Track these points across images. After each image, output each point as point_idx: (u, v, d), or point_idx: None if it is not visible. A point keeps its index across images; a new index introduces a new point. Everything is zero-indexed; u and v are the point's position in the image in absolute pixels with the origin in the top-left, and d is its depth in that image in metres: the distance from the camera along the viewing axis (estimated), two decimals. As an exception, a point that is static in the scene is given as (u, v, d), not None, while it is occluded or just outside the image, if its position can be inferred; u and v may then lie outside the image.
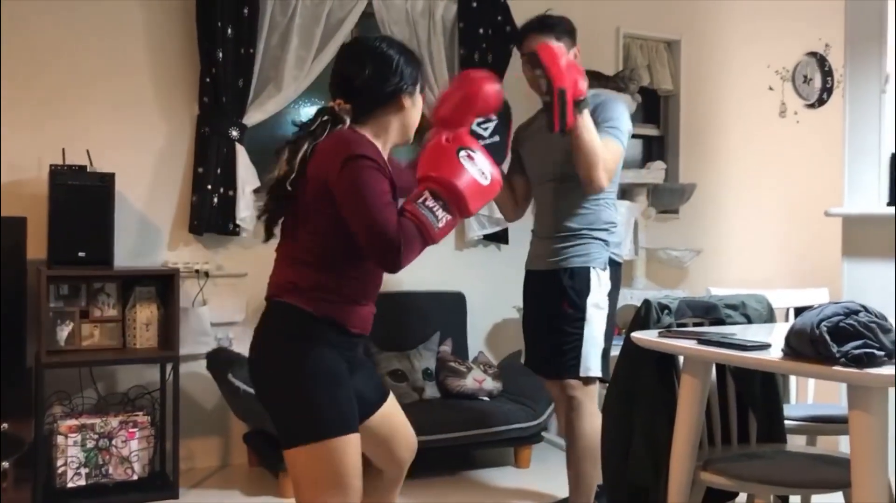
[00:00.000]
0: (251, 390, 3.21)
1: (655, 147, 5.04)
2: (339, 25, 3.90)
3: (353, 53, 2.00)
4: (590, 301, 2.73)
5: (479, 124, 2.50)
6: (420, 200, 1.84)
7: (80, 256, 3.23)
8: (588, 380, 2.76)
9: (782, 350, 1.87)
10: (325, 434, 1.82)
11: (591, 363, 2.74)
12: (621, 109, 2.76)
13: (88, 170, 3.34)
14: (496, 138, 2.56)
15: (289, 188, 1.86)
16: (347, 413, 1.87)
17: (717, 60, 5.01)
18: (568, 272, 2.75)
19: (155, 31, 3.68)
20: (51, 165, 3.28)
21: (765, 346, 1.95)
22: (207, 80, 3.64)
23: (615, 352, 2.78)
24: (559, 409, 3.00)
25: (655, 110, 5.01)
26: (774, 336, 2.11)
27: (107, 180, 3.30)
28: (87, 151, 3.43)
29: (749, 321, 2.51)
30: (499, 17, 4.19)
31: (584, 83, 2.55)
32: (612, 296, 2.84)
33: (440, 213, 1.84)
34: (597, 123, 2.67)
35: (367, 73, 1.92)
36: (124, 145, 3.60)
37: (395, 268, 1.82)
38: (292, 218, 1.92)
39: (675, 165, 4.90)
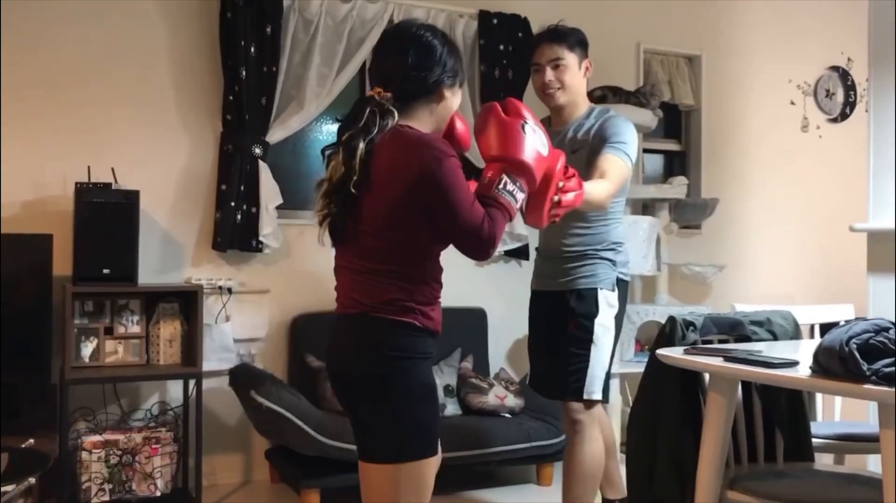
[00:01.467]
0: (273, 406, 3.24)
1: (677, 162, 5.02)
2: (361, 44, 3.93)
3: (396, 40, 1.90)
4: (598, 322, 2.65)
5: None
6: (500, 186, 1.83)
7: (105, 273, 3.26)
8: (591, 403, 2.67)
9: (810, 367, 1.85)
10: (427, 452, 1.83)
11: (595, 386, 2.65)
12: (628, 127, 2.66)
13: (113, 187, 3.38)
14: None
15: (353, 191, 1.78)
16: (436, 434, 1.88)
17: (739, 75, 5.00)
18: (575, 293, 2.67)
19: (179, 50, 3.72)
20: (76, 183, 3.31)
21: (792, 364, 1.93)
22: (231, 97, 3.67)
23: (639, 368, 2.77)
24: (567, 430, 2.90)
25: (677, 125, 5.00)
26: (801, 353, 2.09)
27: (131, 197, 3.33)
28: (112, 169, 3.46)
29: (775, 338, 2.48)
30: (519, 34, 4.21)
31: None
32: (620, 316, 2.76)
33: (518, 193, 1.85)
34: (603, 139, 2.61)
35: (410, 61, 1.84)
36: (148, 163, 3.63)
37: (487, 258, 1.85)
38: (354, 223, 1.83)
39: (698, 180, 4.88)
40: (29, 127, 3.47)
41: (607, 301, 2.67)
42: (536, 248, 2.93)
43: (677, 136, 5.02)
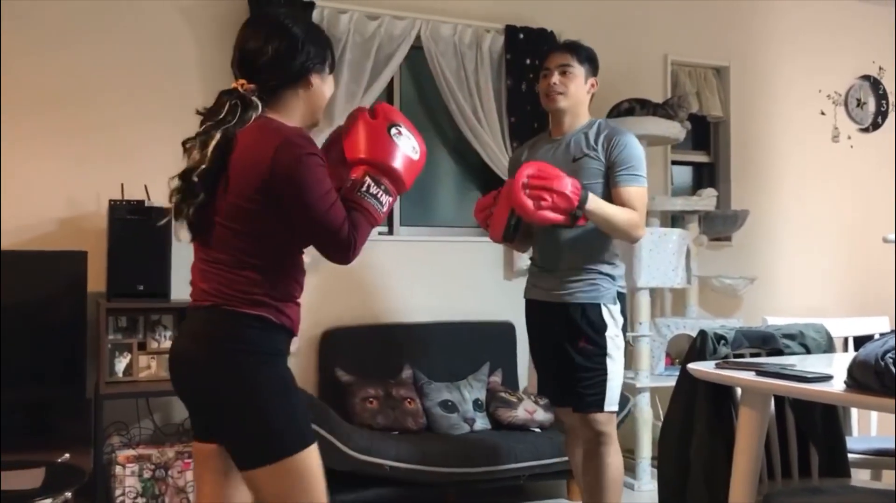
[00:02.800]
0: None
1: (706, 174, 4.99)
2: (388, 60, 3.97)
3: (255, 30, 1.83)
4: (608, 335, 2.69)
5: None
6: (363, 189, 1.78)
7: (139, 289, 3.30)
8: (612, 414, 2.73)
9: (845, 382, 1.82)
10: (298, 446, 1.75)
11: (614, 398, 2.71)
12: (633, 145, 2.70)
13: (146, 204, 3.42)
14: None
15: (195, 179, 1.73)
16: (307, 424, 1.82)
17: (767, 86, 4.96)
18: (580, 309, 2.69)
19: (210, 68, 3.78)
20: (110, 200, 3.37)
21: (826, 378, 1.91)
22: (260, 115, 3.71)
23: (669, 382, 2.75)
24: (572, 441, 2.94)
25: (705, 137, 4.98)
26: (835, 367, 2.07)
27: (164, 214, 3.38)
28: (145, 186, 3.52)
29: (808, 351, 2.46)
30: (546, 48, 4.20)
31: (563, 197, 2.50)
32: (623, 329, 2.80)
33: (383, 197, 1.81)
34: (611, 165, 2.67)
35: (270, 49, 1.77)
36: (180, 180, 3.68)
37: (348, 262, 1.78)
38: (209, 214, 1.77)
39: (727, 192, 4.84)
40: (64, 146, 3.54)
41: (612, 315, 2.72)
42: (531, 258, 2.94)
43: (706, 147, 4.99)
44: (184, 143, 1.84)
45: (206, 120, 1.79)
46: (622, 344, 2.74)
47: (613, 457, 2.72)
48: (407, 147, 1.85)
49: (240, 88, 1.79)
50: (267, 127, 1.76)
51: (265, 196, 1.71)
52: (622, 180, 2.66)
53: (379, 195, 1.80)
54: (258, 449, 1.74)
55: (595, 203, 2.58)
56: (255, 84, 1.79)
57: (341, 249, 1.76)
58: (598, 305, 2.70)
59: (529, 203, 2.50)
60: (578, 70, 2.76)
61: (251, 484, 1.79)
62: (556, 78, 2.75)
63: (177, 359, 1.83)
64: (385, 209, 1.83)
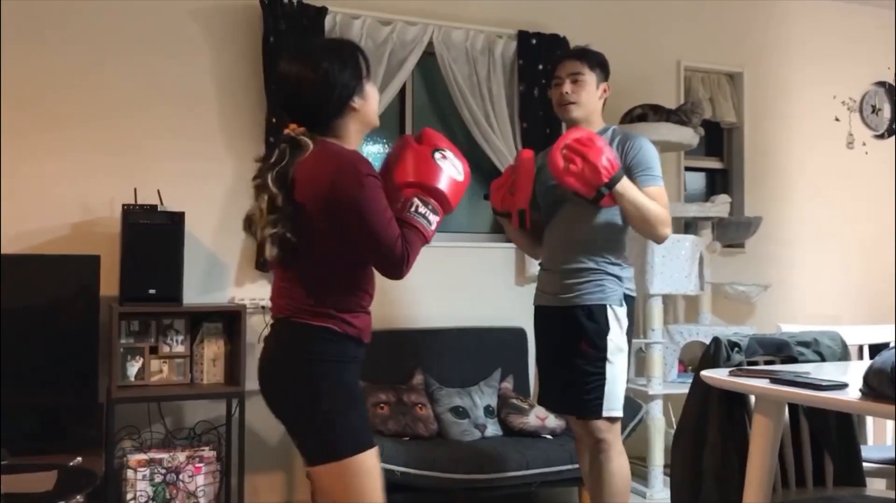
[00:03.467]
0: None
1: (719, 180, 4.97)
2: (401, 66, 3.97)
3: (288, 75, 1.95)
4: (610, 339, 2.66)
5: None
6: (412, 209, 1.93)
7: (151, 293, 3.31)
8: (614, 420, 2.69)
9: (860, 390, 1.81)
10: (359, 448, 1.90)
11: (615, 403, 2.66)
12: (648, 148, 2.72)
13: (159, 209, 3.44)
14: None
15: (280, 205, 1.87)
16: (365, 429, 1.96)
17: (781, 92, 4.94)
18: (585, 310, 2.67)
19: (223, 74, 3.79)
20: (123, 205, 3.38)
21: (841, 386, 1.89)
22: (273, 120, 3.72)
23: (682, 389, 2.73)
24: (581, 448, 2.91)
25: (719, 143, 4.96)
26: (850, 375, 2.05)
27: (176, 219, 3.39)
28: (158, 191, 3.53)
29: (822, 359, 2.44)
30: (558, 53, 4.20)
31: (595, 168, 2.52)
32: (629, 332, 2.75)
33: (431, 216, 1.95)
34: (628, 169, 2.64)
35: (305, 95, 1.92)
36: (194, 185, 3.70)
37: (401, 277, 1.91)
38: (282, 244, 1.92)
39: (741, 198, 4.82)
40: (78, 151, 3.56)
41: (616, 317, 2.68)
42: (540, 264, 2.93)
43: (719, 153, 4.97)
44: (254, 180, 1.98)
45: (263, 165, 1.94)
46: (625, 347, 2.70)
47: (616, 464, 2.67)
48: (451, 169, 1.99)
49: (291, 133, 1.93)
50: (324, 152, 1.89)
51: (328, 218, 1.86)
52: (642, 181, 2.65)
53: (427, 214, 1.94)
54: (318, 447, 1.91)
55: (627, 187, 2.56)
56: (304, 125, 1.93)
57: (396, 265, 1.89)
58: (604, 307, 2.67)
59: (561, 162, 2.53)
60: (590, 77, 2.76)
61: (314, 478, 1.95)
62: (567, 87, 2.75)
63: (260, 369, 2.00)
64: (433, 227, 1.97)
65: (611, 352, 2.65)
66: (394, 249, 1.86)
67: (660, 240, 2.70)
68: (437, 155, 1.98)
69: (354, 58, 1.97)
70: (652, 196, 2.64)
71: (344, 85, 1.92)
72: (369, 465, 1.91)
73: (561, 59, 2.86)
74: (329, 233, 1.88)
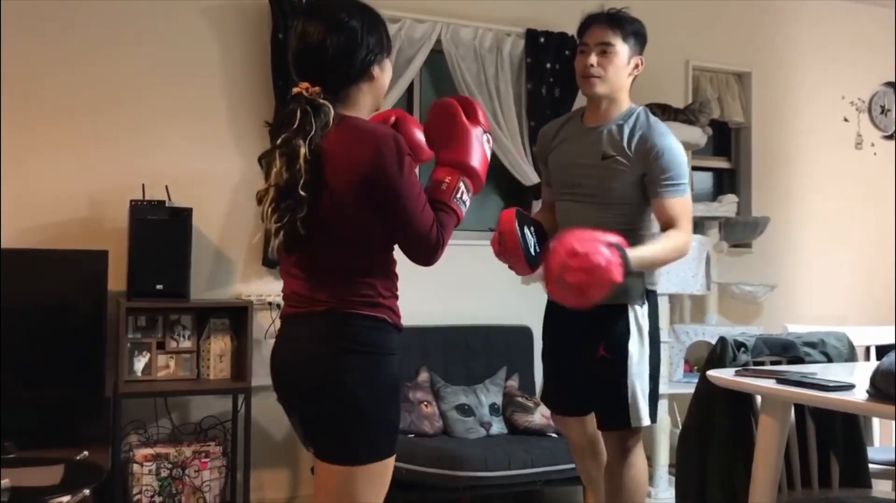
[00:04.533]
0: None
1: (727, 179, 4.96)
2: (409, 63, 3.97)
3: (311, 27, 1.76)
4: (631, 344, 2.43)
5: (528, 228, 2.33)
6: (458, 195, 1.81)
7: (158, 289, 3.32)
8: (638, 430, 2.47)
9: (867, 391, 1.81)
10: (392, 450, 1.80)
11: (643, 411, 2.43)
12: (674, 151, 2.41)
13: (167, 204, 3.45)
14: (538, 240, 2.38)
15: (302, 193, 1.69)
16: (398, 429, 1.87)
17: (789, 92, 4.92)
18: (603, 311, 2.37)
19: (232, 71, 3.80)
20: (131, 200, 3.39)
21: (848, 387, 1.89)
22: (281, 117, 3.73)
23: (688, 389, 2.72)
24: (574, 450, 2.74)
25: (726, 142, 4.95)
26: (857, 376, 2.04)
27: (184, 214, 3.40)
28: (166, 187, 3.54)
29: (829, 359, 2.44)
30: (566, 52, 4.20)
31: (601, 273, 2.10)
32: (653, 331, 2.51)
33: (467, 199, 1.84)
34: (651, 176, 2.39)
35: (330, 48, 1.73)
36: (201, 181, 3.71)
37: (433, 262, 1.80)
38: (311, 225, 1.74)
39: (748, 198, 4.81)
40: (87, 147, 3.57)
41: (637, 318, 2.46)
42: None
43: (727, 153, 4.96)
44: (260, 159, 1.79)
45: (280, 131, 1.73)
46: (648, 351, 2.46)
47: (636, 469, 2.51)
48: (488, 150, 1.88)
49: (304, 93, 1.73)
50: (357, 128, 1.74)
51: (366, 199, 1.71)
52: (663, 192, 2.38)
53: (467, 199, 1.84)
54: (354, 446, 1.75)
55: (637, 259, 2.22)
56: (318, 86, 1.74)
57: (430, 251, 1.78)
58: (623, 307, 2.44)
59: (569, 298, 2.17)
60: (621, 48, 2.42)
61: (323, 476, 1.80)
62: (593, 58, 2.41)
63: (289, 364, 1.82)
64: (466, 209, 1.86)
65: (632, 359, 2.42)
66: (429, 235, 1.75)
67: (683, 257, 2.47)
68: (485, 137, 1.86)
69: (383, 26, 1.84)
70: (674, 209, 2.38)
71: (370, 48, 1.77)
72: (388, 472, 1.81)
73: (590, 21, 2.48)
74: (366, 216, 1.73)
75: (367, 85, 1.80)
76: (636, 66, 2.49)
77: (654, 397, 2.48)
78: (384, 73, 1.84)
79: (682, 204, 2.41)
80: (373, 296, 1.78)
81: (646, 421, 2.43)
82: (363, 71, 1.78)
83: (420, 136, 1.93)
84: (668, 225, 2.39)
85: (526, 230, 2.33)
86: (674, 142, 2.44)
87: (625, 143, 2.43)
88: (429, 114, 1.91)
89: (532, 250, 2.32)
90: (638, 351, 2.44)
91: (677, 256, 2.39)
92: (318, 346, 1.78)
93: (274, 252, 1.78)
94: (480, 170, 1.85)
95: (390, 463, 1.80)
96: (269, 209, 1.73)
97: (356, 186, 1.70)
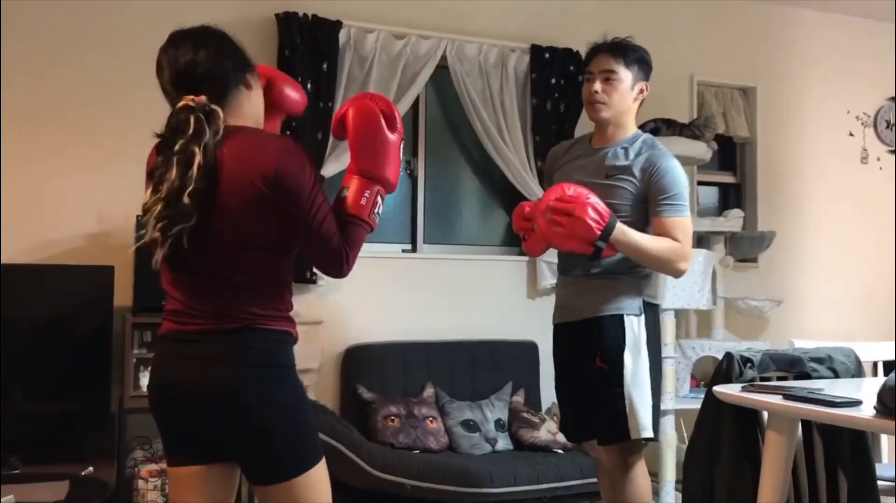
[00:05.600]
0: (325, 438, 3.24)
1: (732, 194, 4.96)
2: (414, 79, 3.99)
3: (180, 46, 1.80)
4: (626, 354, 2.43)
5: None
6: (376, 210, 1.79)
7: (164, 304, 3.31)
8: (638, 442, 2.45)
9: (874, 407, 1.80)
10: (321, 453, 1.79)
11: (643, 422, 2.40)
12: (675, 172, 2.47)
13: (173, 220, 3.45)
14: None
15: (186, 201, 1.63)
16: (318, 436, 1.86)
17: (795, 107, 4.93)
18: (597, 323, 2.46)
19: (238, 86, 3.82)
20: (137, 216, 3.40)
21: (855, 403, 1.88)
22: (287, 132, 3.75)
23: (695, 405, 2.70)
24: (602, 473, 2.69)
25: (731, 157, 4.95)
26: (864, 392, 2.04)
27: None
28: (172, 203, 3.55)
29: (836, 375, 2.43)
30: (571, 68, 4.22)
31: (584, 226, 2.29)
32: (653, 344, 2.51)
33: (381, 209, 1.82)
34: (651, 194, 2.44)
35: (204, 58, 1.75)
36: (207, 196, 3.71)
37: (343, 275, 1.78)
38: (204, 235, 1.68)
39: (754, 213, 4.80)
40: (94, 163, 3.59)
41: (633, 328, 2.46)
42: (559, 276, 2.73)
43: (732, 168, 4.96)
44: (152, 171, 1.73)
45: (173, 139, 1.71)
46: (647, 362, 2.46)
47: (637, 484, 2.49)
48: (401, 160, 1.87)
49: (192, 103, 1.71)
50: (257, 135, 1.74)
51: (269, 205, 1.67)
52: (662, 210, 2.43)
53: (380, 209, 1.81)
54: (285, 463, 1.73)
55: (624, 233, 2.34)
56: (202, 94, 1.73)
57: (335, 263, 1.76)
58: (619, 317, 2.45)
59: (547, 228, 2.34)
60: (624, 75, 2.51)
61: (271, 498, 1.77)
62: (598, 85, 2.51)
63: (186, 386, 1.73)
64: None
65: (628, 370, 2.42)
66: (330, 246, 1.72)
67: (677, 275, 2.48)
68: (402, 145, 1.84)
69: (233, 41, 1.84)
70: (672, 227, 2.41)
71: (236, 58, 1.79)
72: (325, 474, 1.80)
73: (595, 51, 2.59)
74: (269, 224, 1.69)
75: (246, 91, 1.80)
76: (641, 92, 2.57)
77: (656, 411, 2.47)
78: (258, 86, 1.83)
79: (681, 223, 2.44)
80: (279, 308, 1.76)
81: (647, 432, 2.40)
82: (238, 77, 1.78)
83: (291, 92, 1.93)
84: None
85: None
86: (676, 165, 2.50)
87: (629, 163, 2.49)
88: (346, 112, 1.84)
89: None
90: (633, 361, 2.43)
91: (665, 260, 2.40)
92: (226, 366, 1.72)
93: (157, 264, 1.73)
94: (395, 180, 1.84)
95: (323, 464, 1.79)
96: (154, 217, 1.67)
97: (258, 193, 1.66)
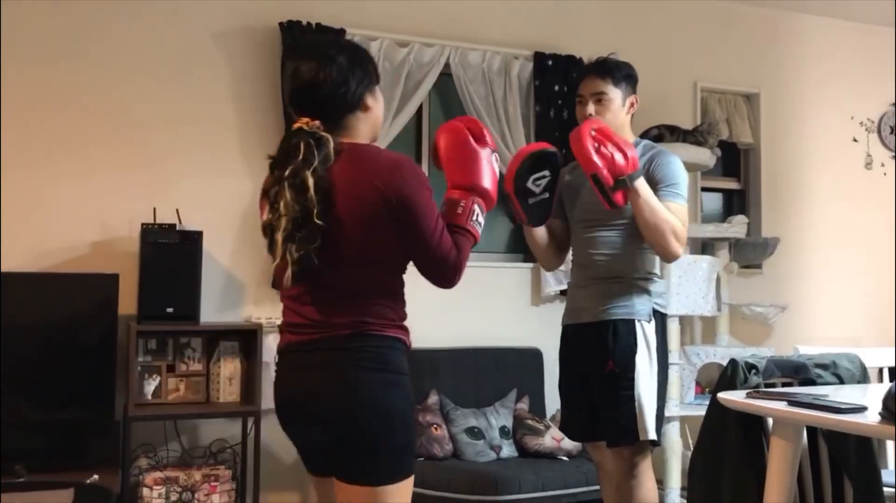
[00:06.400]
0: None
1: (736, 200, 4.96)
2: (418, 87, 4.00)
3: (302, 65, 1.85)
4: (638, 358, 2.50)
5: (533, 181, 2.52)
6: (474, 218, 1.88)
7: (168, 312, 3.33)
8: (645, 445, 2.51)
9: (880, 413, 1.79)
10: (412, 471, 1.83)
11: (649, 425, 2.48)
12: (676, 165, 2.59)
13: (177, 228, 3.47)
14: (546, 195, 2.55)
15: (318, 222, 1.72)
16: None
17: (798, 112, 4.93)
18: (611, 326, 2.53)
19: (243, 96, 3.83)
20: (142, 224, 3.42)
21: (860, 409, 1.87)
22: (291, 140, 3.75)
23: (699, 411, 2.70)
24: (602, 475, 2.76)
25: (735, 163, 4.95)
26: (869, 398, 2.03)
27: (194, 238, 3.42)
28: (177, 211, 3.56)
29: (841, 381, 2.42)
30: (574, 74, 4.22)
31: (623, 158, 2.41)
32: (661, 350, 2.57)
33: (482, 220, 1.91)
34: (651, 182, 2.53)
35: (322, 83, 1.82)
36: (212, 205, 3.73)
37: (453, 285, 1.86)
38: (326, 253, 1.76)
39: (758, 219, 4.80)
40: (98, 171, 3.60)
41: (644, 333, 2.53)
42: (572, 278, 2.79)
43: (736, 174, 4.95)
44: (267, 190, 1.81)
45: (285, 163, 1.77)
46: (655, 366, 2.53)
47: (646, 489, 2.53)
48: (496, 169, 1.95)
49: (306, 127, 1.79)
50: (367, 154, 1.81)
51: (384, 221, 1.76)
52: (663, 195, 2.52)
53: (482, 220, 1.90)
54: (386, 467, 1.78)
55: (644, 186, 2.46)
56: (318, 119, 1.81)
57: (449, 274, 1.84)
58: (632, 322, 2.52)
59: (590, 144, 2.40)
60: (615, 94, 2.62)
61: (352, 498, 1.80)
62: (591, 108, 2.62)
63: (306, 392, 1.82)
64: (481, 230, 1.92)
65: (639, 373, 2.49)
66: (447, 259, 1.81)
67: (670, 255, 2.52)
68: (493, 157, 1.92)
69: (370, 59, 1.93)
70: (671, 209, 2.51)
71: (361, 79, 1.86)
72: (410, 489, 1.83)
73: (584, 74, 2.71)
74: (384, 239, 1.78)
75: (362, 114, 1.88)
76: (632, 105, 2.69)
77: (660, 416, 2.54)
78: (377, 102, 1.92)
79: (680, 210, 2.54)
80: (392, 317, 1.84)
81: (652, 434, 2.48)
82: (356, 101, 1.86)
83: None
84: None
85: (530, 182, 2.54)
86: (677, 160, 2.61)
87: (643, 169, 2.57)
88: (437, 138, 1.97)
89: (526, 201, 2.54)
90: (646, 365, 2.51)
91: (667, 232, 2.47)
92: (339, 370, 1.80)
93: (289, 282, 1.78)
94: (492, 190, 1.91)
95: (412, 480, 1.84)
96: (282, 240, 1.74)
97: (373, 210, 1.75)
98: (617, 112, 2.64)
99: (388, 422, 1.78)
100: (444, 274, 1.84)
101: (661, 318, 2.61)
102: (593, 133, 2.43)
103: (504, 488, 3.35)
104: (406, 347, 1.87)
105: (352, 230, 1.76)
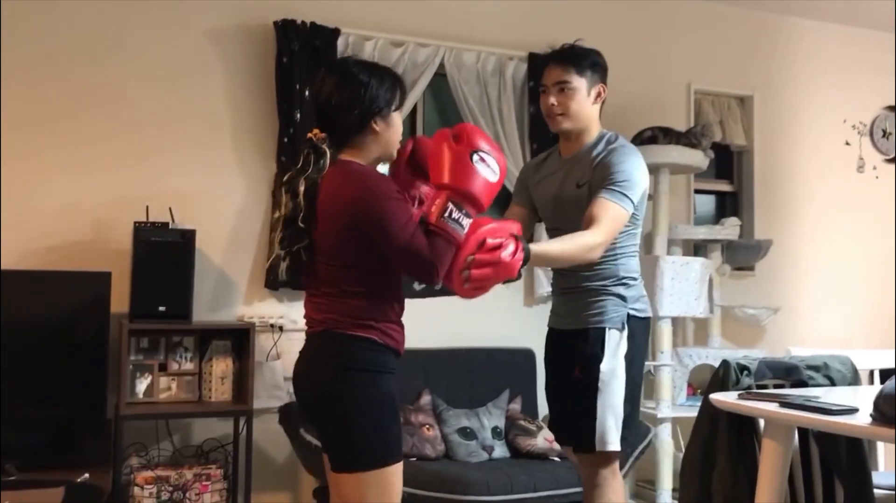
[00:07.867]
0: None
1: (729, 203, 4.97)
2: (412, 87, 3.99)
3: (326, 81, 2.01)
4: (603, 367, 2.40)
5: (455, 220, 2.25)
6: (446, 214, 1.92)
7: (161, 311, 3.32)
8: (610, 454, 2.43)
9: (871, 415, 1.80)
10: (389, 459, 1.93)
11: (609, 436, 2.39)
12: (628, 163, 2.38)
13: (170, 226, 3.46)
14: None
15: (301, 224, 1.93)
16: (400, 439, 2.00)
17: (791, 115, 4.95)
18: (581, 334, 2.46)
19: (236, 94, 3.83)
20: (135, 222, 3.41)
21: (852, 411, 1.89)
22: (285, 140, 3.75)
23: (691, 413, 2.70)
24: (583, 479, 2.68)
25: (728, 166, 4.96)
26: (860, 399, 2.04)
27: (187, 237, 3.41)
28: (170, 209, 3.55)
29: (832, 383, 2.43)
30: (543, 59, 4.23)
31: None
32: (637, 355, 2.49)
33: (464, 220, 1.95)
34: (601, 177, 2.36)
35: (334, 101, 1.97)
36: (205, 203, 3.72)
37: (434, 282, 1.94)
38: (311, 253, 1.98)
39: (751, 221, 4.81)
40: (91, 169, 3.59)
41: (614, 341, 2.44)
42: (552, 285, 2.74)
43: (729, 176, 4.97)
44: (274, 193, 2.07)
45: (290, 170, 2.00)
46: (622, 374, 2.42)
47: (608, 498, 2.44)
48: (486, 172, 1.96)
49: (313, 138, 1.98)
50: (347, 171, 1.94)
51: (354, 233, 1.91)
52: (601, 191, 2.34)
53: (460, 219, 1.94)
54: (349, 455, 1.94)
55: (537, 256, 2.18)
56: (326, 132, 1.99)
57: (426, 273, 1.91)
58: (602, 330, 2.43)
59: (471, 292, 2.09)
60: (578, 83, 2.45)
61: (338, 485, 1.98)
62: (553, 98, 2.47)
63: (296, 380, 2.06)
64: (465, 230, 1.96)
65: (603, 382, 2.40)
66: (420, 258, 1.88)
67: (592, 261, 2.36)
68: (475, 157, 1.95)
69: (394, 82, 2.03)
70: (599, 208, 2.31)
71: (372, 102, 1.96)
72: (394, 480, 1.94)
73: (546, 62, 2.54)
74: (355, 248, 1.92)
75: (371, 136, 1.99)
76: (599, 95, 2.51)
77: (628, 421, 2.44)
78: (389, 127, 2.02)
79: (612, 208, 2.33)
80: (362, 317, 1.95)
81: (612, 446, 2.39)
82: (363, 124, 1.97)
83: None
84: (588, 222, 2.31)
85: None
86: (632, 160, 2.41)
87: (595, 167, 2.44)
88: (425, 149, 2.05)
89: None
90: (609, 373, 2.41)
91: (583, 256, 2.29)
92: (316, 364, 2.00)
93: (283, 275, 1.98)
94: (475, 189, 1.94)
95: (395, 469, 1.95)
96: (278, 237, 1.99)
97: (344, 221, 1.90)
98: (581, 102, 2.47)
99: (347, 414, 1.92)
100: (421, 271, 1.91)
101: (640, 324, 2.50)
102: (466, 273, 2.02)
103: (496, 489, 3.35)
104: (379, 346, 1.96)
105: (326, 236, 1.94)
